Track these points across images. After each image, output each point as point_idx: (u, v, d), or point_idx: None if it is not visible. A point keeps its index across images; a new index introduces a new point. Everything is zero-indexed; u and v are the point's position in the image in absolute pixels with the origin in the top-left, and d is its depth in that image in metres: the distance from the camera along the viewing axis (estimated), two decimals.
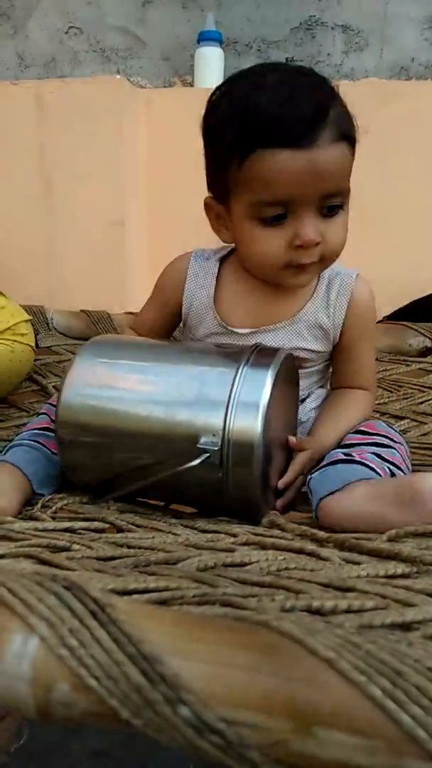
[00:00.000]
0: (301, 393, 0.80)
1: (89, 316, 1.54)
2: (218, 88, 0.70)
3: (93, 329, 1.53)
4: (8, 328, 1.17)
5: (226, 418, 0.63)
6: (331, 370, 0.84)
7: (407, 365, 1.31)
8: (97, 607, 0.29)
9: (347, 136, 0.65)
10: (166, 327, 0.86)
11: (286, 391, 0.72)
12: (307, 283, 0.74)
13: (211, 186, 0.73)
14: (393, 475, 0.67)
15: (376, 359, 1.33)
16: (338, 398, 0.80)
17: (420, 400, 1.16)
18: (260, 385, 0.64)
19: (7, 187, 1.61)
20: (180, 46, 1.66)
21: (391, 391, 1.20)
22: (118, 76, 1.61)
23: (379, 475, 0.65)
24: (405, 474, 0.69)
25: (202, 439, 0.63)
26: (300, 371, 0.78)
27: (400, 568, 0.51)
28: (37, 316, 1.54)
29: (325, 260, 0.71)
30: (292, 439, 0.72)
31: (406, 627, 0.40)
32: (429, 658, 0.28)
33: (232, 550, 0.54)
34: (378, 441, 0.71)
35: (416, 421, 1.08)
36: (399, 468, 0.68)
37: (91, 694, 0.28)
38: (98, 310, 1.53)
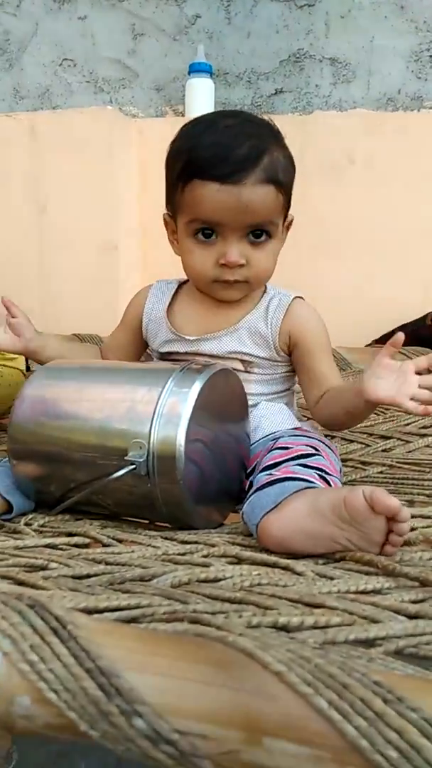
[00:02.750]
0: (250, 399, 0.83)
1: (81, 340, 1.56)
2: (185, 124, 0.81)
3: None
4: None
5: (150, 431, 0.66)
6: (292, 389, 0.91)
7: None
8: (58, 624, 0.30)
9: (275, 181, 0.76)
10: (131, 348, 0.93)
11: (221, 405, 0.75)
12: (236, 298, 0.82)
13: (167, 204, 0.84)
14: (324, 480, 0.67)
15: None
16: (330, 393, 0.83)
17: (406, 422, 1.17)
18: (183, 399, 0.67)
19: (2, 214, 1.65)
20: (171, 77, 1.70)
21: (378, 414, 1.22)
22: (109, 107, 1.65)
23: (310, 482, 0.65)
24: (336, 478, 0.70)
25: (130, 452, 0.66)
26: (248, 375, 0.84)
27: (371, 583, 0.52)
28: None
29: (251, 282, 0.80)
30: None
31: (369, 643, 0.41)
32: (375, 672, 0.29)
33: (207, 565, 0.55)
34: (300, 452, 0.73)
35: (402, 440, 1.09)
36: (328, 472, 0.69)
37: (50, 707, 0.29)
38: (89, 334, 1.55)
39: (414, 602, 0.48)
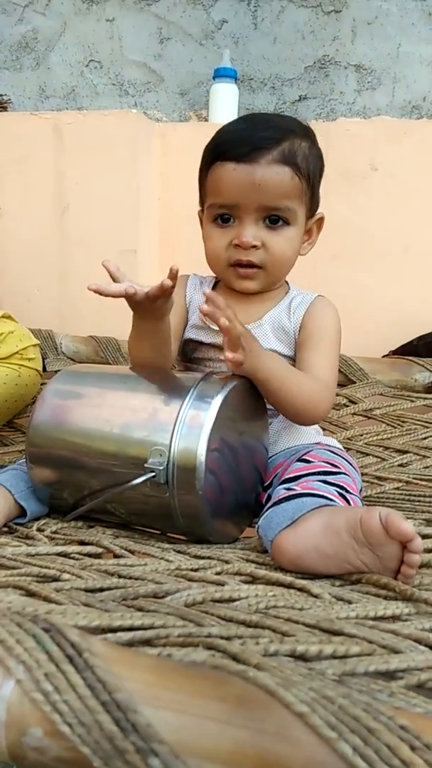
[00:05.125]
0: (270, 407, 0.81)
1: (97, 342, 1.55)
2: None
3: (101, 355, 1.55)
4: (16, 353, 1.19)
5: (171, 440, 0.66)
6: None
7: (412, 401, 1.30)
8: (74, 651, 0.29)
9: (292, 163, 0.76)
10: (176, 329, 0.87)
11: (241, 417, 0.74)
12: (252, 289, 0.83)
13: (200, 200, 0.86)
14: (344, 498, 0.65)
15: (380, 394, 1.34)
16: None
17: (423, 436, 1.15)
18: (206, 409, 0.67)
19: (24, 214, 1.65)
20: (196, 82, 1.70)
21: (395, 427, 1.20)
22: (134, 110, 1.64)
23: (329, 499, 0.63)
24: (356, 497, 0.69)
25: (150, 459, 0.66)
26: None
27: (390, 609, 0.50)
28: (47, 341, 1.55)
29: (268, 268, 0.81)
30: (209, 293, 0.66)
31: (389, 675, 0.40)
32: (402, 715, 0.27)
33: (221, 584, 0.54)
34: (322, 469, 0.71)
35: (419, 455, 1.07)
36: (348, 491, 0.68)
37: (63, 740, 0.28)
38: (107, 336, 1.55)
39: None
